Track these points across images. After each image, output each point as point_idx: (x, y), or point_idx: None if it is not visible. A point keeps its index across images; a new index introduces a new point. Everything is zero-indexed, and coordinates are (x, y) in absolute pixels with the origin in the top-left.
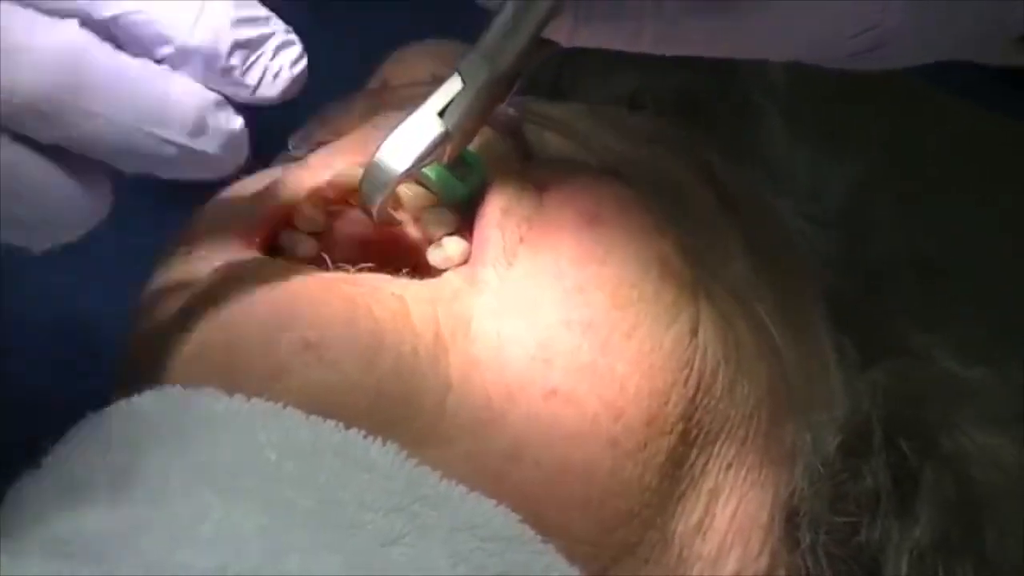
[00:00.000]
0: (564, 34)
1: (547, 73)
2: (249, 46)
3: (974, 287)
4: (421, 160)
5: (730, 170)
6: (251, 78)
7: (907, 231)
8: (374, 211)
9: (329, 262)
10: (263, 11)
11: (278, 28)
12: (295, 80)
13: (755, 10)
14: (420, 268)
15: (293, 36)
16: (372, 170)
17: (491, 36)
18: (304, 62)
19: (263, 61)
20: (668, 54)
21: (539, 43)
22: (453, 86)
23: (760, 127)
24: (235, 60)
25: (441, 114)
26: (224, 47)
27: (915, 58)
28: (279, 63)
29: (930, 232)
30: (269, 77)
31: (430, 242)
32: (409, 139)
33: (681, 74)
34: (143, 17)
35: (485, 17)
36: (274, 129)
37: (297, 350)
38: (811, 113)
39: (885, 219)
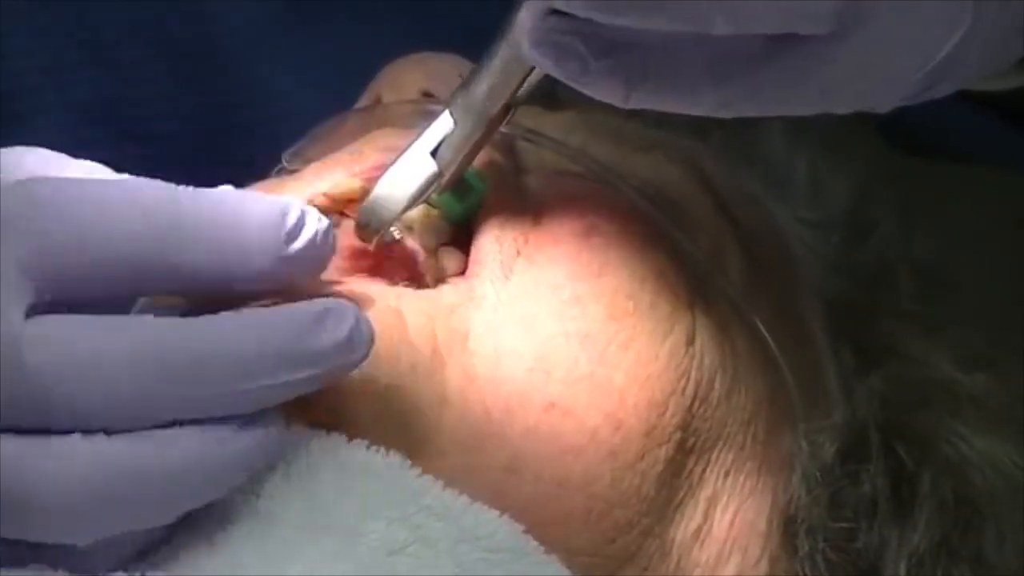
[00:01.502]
0: (618, 98)
1: (544, 83)
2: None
3: (973, 293)
4: (415, 200)
5: (727, 176)
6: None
7: (906, 237)
8: (371, 246)
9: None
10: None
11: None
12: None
13: (825, 60)
14: (416, 279)
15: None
16: (368, 208)
17: (481, 79)
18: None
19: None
20: (730, 116)
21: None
22: (444, 125)
23: (758, 131)
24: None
25: (434, 152)
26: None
27: (952, 89)
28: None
29: (929, 237)
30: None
31: (426, 253)
32: (403, 178)
33: None
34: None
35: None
36: (268, 145)
37: None
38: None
39: (884, 224)
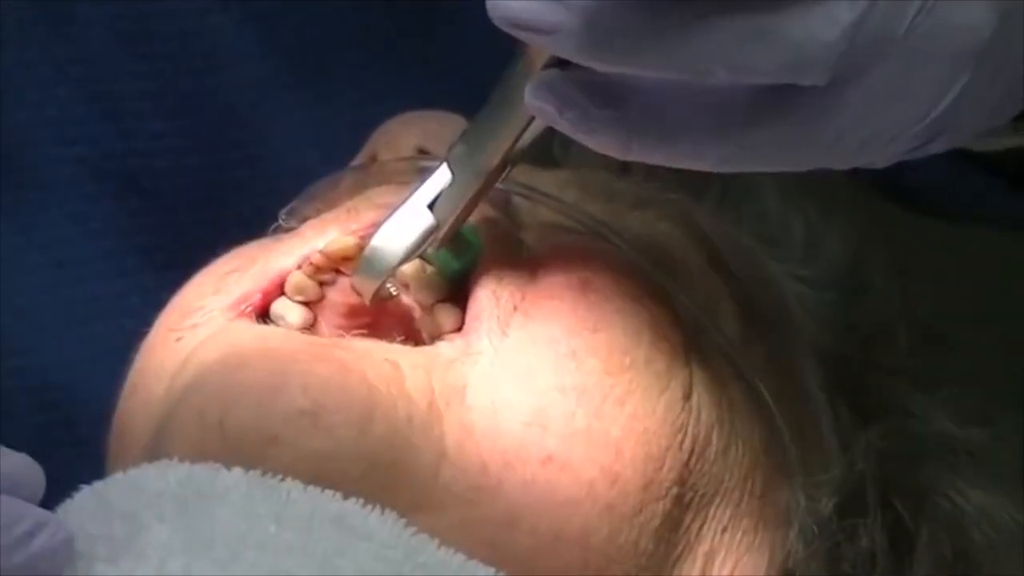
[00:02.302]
0: (616, 150)
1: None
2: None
3: (969, 351)
4: (411, 252)
5: (721, 231)
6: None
7: (902, 294)
8: (367, 299)
9: (323, 329)
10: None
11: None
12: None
13: (824, 112)
14: (413, 335)
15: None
16: (364, 261)
17: (480, 132)
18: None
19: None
20: (732, 171)
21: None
22: (442, 178)
23: (754, 188)
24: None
25: (431, 205)
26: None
27: (950, 144)
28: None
29: (925, 295)
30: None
31: (423, 310)
32: (399, 231)
33: None
34: None
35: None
36: (271, 202)
37: (292, 417)
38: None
39: (880, 282)
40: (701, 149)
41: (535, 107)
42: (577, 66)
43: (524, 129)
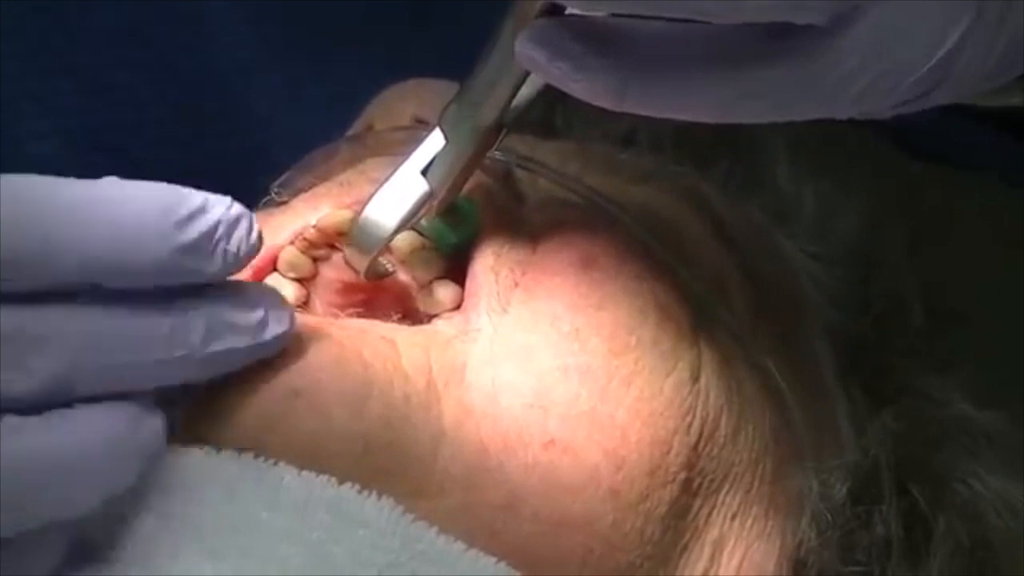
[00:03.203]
0: (610, 99)
1: (539, 111)
2: (199, 247)
3: (989, 327)
4: (406, 222)
5: (729, 205)
6: (214, 266)
7: (918, 268)
8: (361, 272)
9: (317, 307)
10: (197, 199)
11: (219, 209)
12: (254, 249)
13: (823, 55)
14: (410, 314)
15: (237, 209)
16: (357, 232)
17: (473, 91)
18: (257, 229)
19: (220, 247)
20: (732, 122)
21: (541, 93)
22: (435, 142)
23: (762, 158)
24: (190, 263)
25: (425, 171)
26: (174, 263)
27: (956, 95)
28: (236, 242)
29: (942, 269)
30: (231, 258)
31: (420, 287)
32: (393, 199)
33: None
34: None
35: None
36: (262, 172)
37: (286, 398)
38: (817, 141)
39: (893, 256)
40: (698, 95)
41: (526, 57)
42: (570, 16)
43: (518, 86)
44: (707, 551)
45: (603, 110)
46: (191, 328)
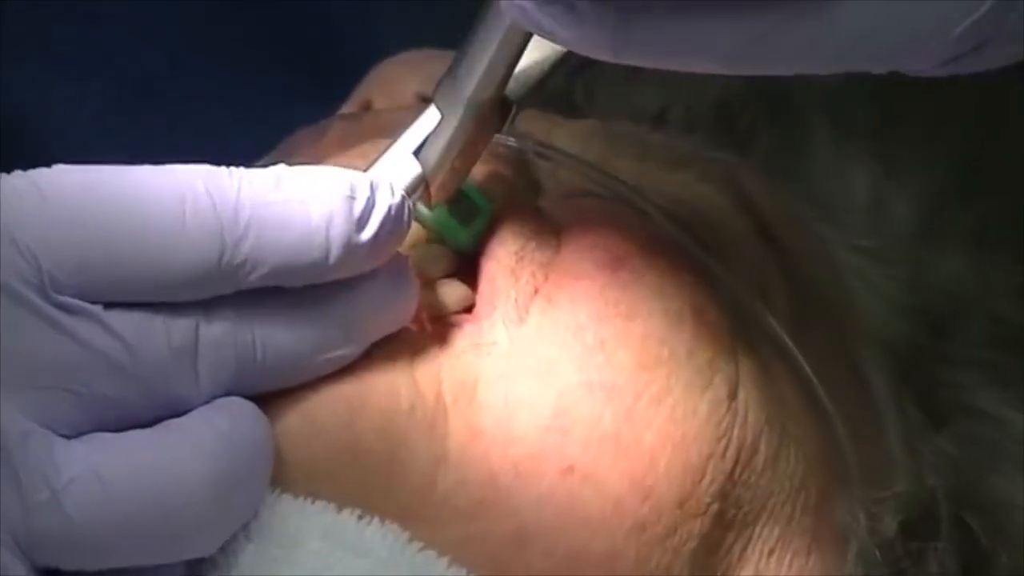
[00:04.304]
0: (607, 47)
1: (557, 84)
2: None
3: None
4: None
5: (771, 196)
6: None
7: (981, 268)
8: None
9: None
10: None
11: (385, 196)
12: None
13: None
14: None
15: (398, 193)
16: None
17: (466, 58)
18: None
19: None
20: (747, 73)
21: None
22: (430, 120)
23: (806, 141)
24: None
25: (417, 152)
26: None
27: (1008, 56)
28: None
29: (1010, 272)
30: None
31: (424, 287)
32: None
33: (713, 83)
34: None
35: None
36: (240, 155)
37: (267, 396)
38: (868, 121)
39: (956, 254)
40: (705, 39)
41: (513, 7)
42: None
43: (516, 50)
44: None
45: (628, 81)
46: (353, 323)
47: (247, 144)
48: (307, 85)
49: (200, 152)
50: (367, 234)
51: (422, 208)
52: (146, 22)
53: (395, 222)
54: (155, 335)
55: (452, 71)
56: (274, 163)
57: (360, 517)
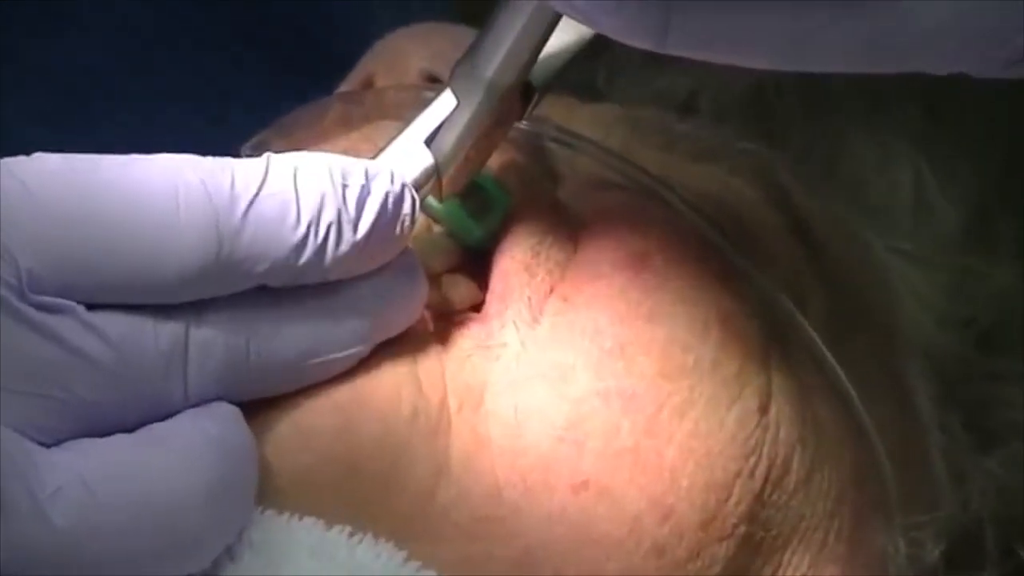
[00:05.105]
0: (650, 36)
1: (578, 68)
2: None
3: None
4: None
5: (808, 192)
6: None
7: None
8: None
9: None
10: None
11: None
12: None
13: None
14: None
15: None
16: None
17: (488, 40)
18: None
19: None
20: (798, 68)
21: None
22: (444, 106)
23: (846, 134)
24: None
25: (430, 141)
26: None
27: None
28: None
29: None
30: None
31: (429, 283)
32: None
33: (745, 71)
34: None
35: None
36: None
37: (256, 402)
38: (913, 116)
39: (1005, 262)
40: (759, 30)
41: None
42: None
43: (544, 33)
44: None
45: (654, 65)
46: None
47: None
48: (297, 80)
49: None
50: (363, 227)
51: (432, 201)
52: (132, 15)
53: (393, 212)
54: (142, 336)
55: (471, 53)
56: (267, 144)
57: (352, 535)
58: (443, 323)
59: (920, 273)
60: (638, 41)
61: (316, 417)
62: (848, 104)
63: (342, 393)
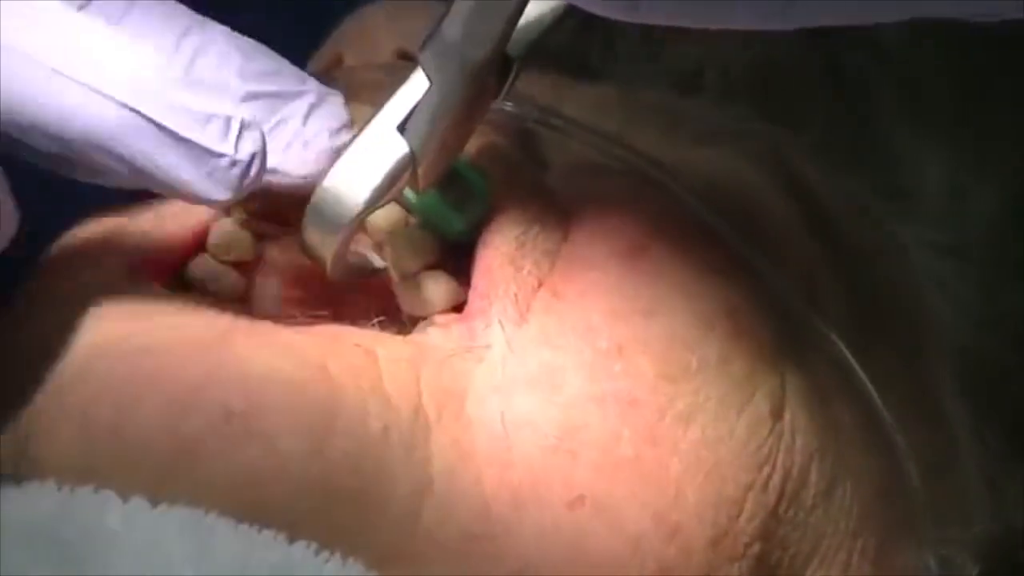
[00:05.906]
0: (621, 4)
1: (570, 43)
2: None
3: None
4: (380, 194)
5: (825, 179)
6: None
7: None
8: (325, 264)
9: (264, 302)
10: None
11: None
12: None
13: None
14: (392, 313)
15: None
16: (314, 212)
17: (458, 11)
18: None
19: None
20: (784, 27)
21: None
22: (416, 87)
23: (871, 117)
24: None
25: (403, 127)
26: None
27: None
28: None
29: None
30: (298, 147)
31: (402, 279)
32: (362, 165)
33: (758, 43)
34: None
35: None
36: None
37: (214, 422)
38: (942, 93)
39: None
40: None
41: None
42: None
43: (519, 3)
44: None
45: (653, 40)
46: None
47: None
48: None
49: None
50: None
51: (408, 194)
52: None
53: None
54: None
55: (440, 26)
56: None
57: (317, 552)
58: (421, 325)
59: (952, 266)
60: (609, 9)
61: (281, 432)
62: (875, 86)
63: (307, 406)
